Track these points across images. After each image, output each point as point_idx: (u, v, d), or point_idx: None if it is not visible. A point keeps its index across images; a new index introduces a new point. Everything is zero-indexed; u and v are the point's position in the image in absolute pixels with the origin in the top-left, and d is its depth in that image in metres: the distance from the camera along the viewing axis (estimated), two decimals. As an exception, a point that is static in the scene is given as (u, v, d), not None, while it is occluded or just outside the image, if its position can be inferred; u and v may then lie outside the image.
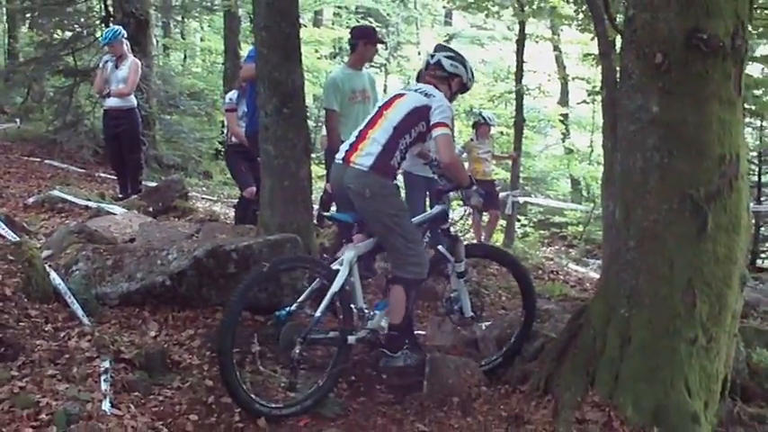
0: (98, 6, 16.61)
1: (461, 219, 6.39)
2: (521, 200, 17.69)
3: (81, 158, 14.86)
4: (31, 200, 9.91)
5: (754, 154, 18.41)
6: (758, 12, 8.99)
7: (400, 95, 5.73)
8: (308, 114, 13.15)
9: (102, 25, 15.48)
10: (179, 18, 25.85)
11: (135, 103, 11.03)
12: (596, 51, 7.50)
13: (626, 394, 4.81)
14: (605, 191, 5.55)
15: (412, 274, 5.45)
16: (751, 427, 5.30)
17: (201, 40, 29.47)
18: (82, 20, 16.82)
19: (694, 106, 4.71)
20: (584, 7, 9.88)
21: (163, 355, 5.15)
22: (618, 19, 6.27)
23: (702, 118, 4.71)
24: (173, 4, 21.65)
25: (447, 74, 5.80)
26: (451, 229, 6.04)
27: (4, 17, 23.40)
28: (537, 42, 18.54)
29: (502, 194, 14.75)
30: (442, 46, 6.13)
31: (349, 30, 8.98)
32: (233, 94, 9.33)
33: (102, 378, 4.60)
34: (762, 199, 18.25)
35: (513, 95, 17.31)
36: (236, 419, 4.75)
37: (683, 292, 4.75)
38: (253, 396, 4.86)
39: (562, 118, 26.03)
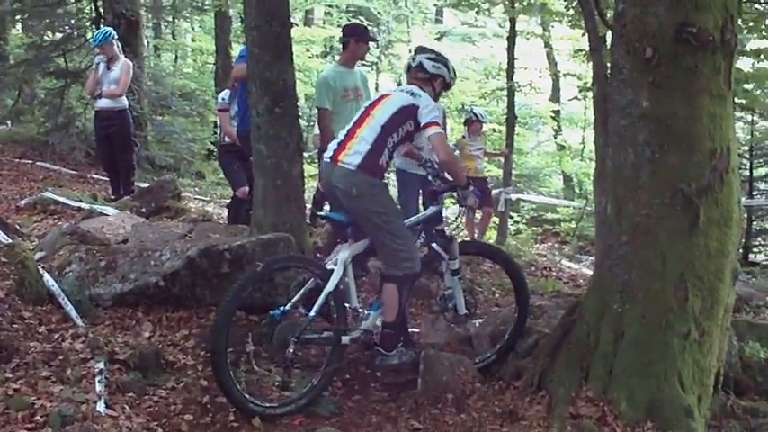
0: (88, 7, 16.54)
1: (456, 218, 6.39)
2: (513, 197, 17.68)
3: (73, 160, 14.81)
4: (23, 202, 9.90)
5: (746, 148, 18.45)
6: (747, 6, 8.99)
7: (387, 95, 5.79)
8: (300, 113, 13.15)
9: (93, 26, 15.44)
10: (170, 18, 25.80)
11: (126, 104, 11.01)
12: (587, 47, 7.49)
13: (620, 389, 4.82)
14: (597, 187, 5.54)
15: (404, 270, 5.46)
16: (744, 420, 5.33)
17: (192, 40, 29.40)
18: (72, 21, 16.79)
19: (684, 100, 4.73)
20: (575, 3, 9.88)
21: (157, 355, 5.16)
22: (608, 14, 6.26)
23: (693, 112, 4.73)
24: (163, 5, 21.64)
25: (429, 75, 5.88)
26: (446, 229, 6.05)
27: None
28: (528, 39, 18.56)
29: (494, 191, 14.75)
30: (422, 48, 6.19)
31: (340, 28, 8.97)
32: (225, 94, 9.32)
33: (97, 379, 4.61)
34: (753, 193, 18.30)
35: (505, 92, 17.29)
36: (231, 419, 4.77)
37: (676, 286, 4.77)
38: (247, 395, 4.86)
39: (554, 114, 26.02)
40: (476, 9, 15.43)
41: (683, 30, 4.66)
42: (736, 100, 11.90)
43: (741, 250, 16.90)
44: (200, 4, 22.18)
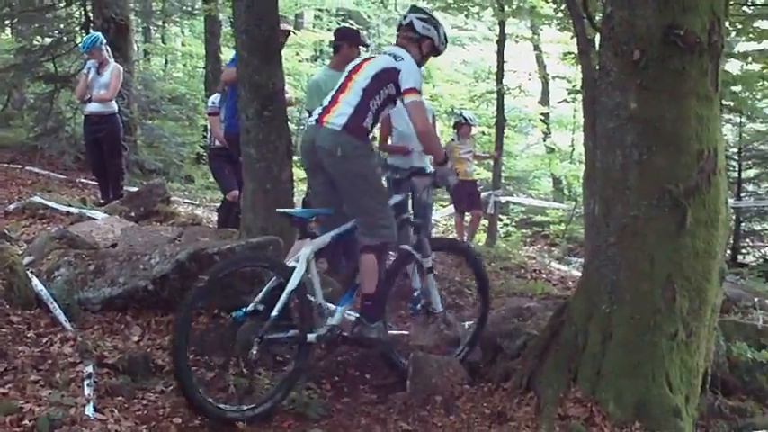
0: (78, 12, 16.55)
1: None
2: (503, 199, 17.72)
3: (62, 164, 14.80)
4: (11, 206, 9.87)
5: (734, 150, 18.52)
6: (735, 8, 9.04)
7: (369, 58, 5.76)
8: (290, 117, 13.14)
9: (83, 31, 15.44)
10: (159, 23, 25.78)
11: (116, 108, 11.01)
12: (576, 50, 7.53)
13: (608, 389, 4.84)
14: (587, 189, 5.58)
15: (382, 238, 5.44)
16: (732, 419, 5.36)
17: (182, 44, 29.40)
18: (62, 26, 16.79)
19: (672, 102, 4.76)
20: (564, 6, 9.92)
21: (146, 359, 5.14)
22: (597, 17, 6.30)
23: (680, 114, 4.76)
24: (153, 9, 21.62)
25: (418, 35, 5.78)
26: (411, 218, 6.01)
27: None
28: (517, 42, 18.59)
29: (484, 194, 14.78)
30: (416, 7, 6.11)
31: (333, 32, 8.98)
32: (215, 98, 9.32)
33: (86, 383, 4.59)
34: (742, 195, 18.36)
35: (494, 95, 17.34)
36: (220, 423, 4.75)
37: (664, 287, 4.79)
38: (221, 406, 4.78)
39: (543, 117, 26.08)
40: (465, 12, 15.46)
41: (670, 32, 4.69)
42: (724, 102, 11.97)
43: (729, 251, 17.03)
44: (189, 9, 22.21)
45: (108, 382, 4.74)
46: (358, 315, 5.53)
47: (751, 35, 10.49)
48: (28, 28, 16.67)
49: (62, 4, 16.76)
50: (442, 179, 5.89)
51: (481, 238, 15.70)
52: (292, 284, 5.08)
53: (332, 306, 5.62)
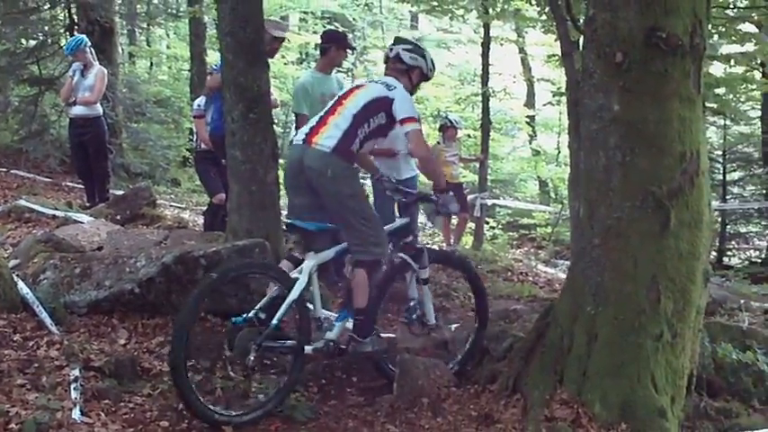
0: (62, 15, 16.52)
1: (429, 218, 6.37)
2: (489, 202, 17.77)
3: (47, 167, 14.79)
4: (-3, 210, 9.84)
5: (719, 153, 18.60)
6: (717, 11, 9.09)
7: (360, 86, 5.77)
8: (276, 120, 13.13)
9: (67, 33, 15.44)
10: (144, 25, 25.69)
11: (101, 111, 10.98)
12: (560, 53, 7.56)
13: (594, 391, 4.85)
14: (572, 191, 5.60)
15: (373, 255, 5.46)
16: (717, 421, 5.38)
17: (168, 47, 29.33)
18: (46, 28, 16.76)
19: (655, 104, 4.78)
20: (547, 9, 9.95)
21: (133, 362, 5.14)
22: (580, 20, 6.32)
23: (663, 116, 4.78)
24: (138, 12, 21.56)
25: (407, 66, 5.82)
26: (416, 241, 6.03)
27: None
28: (502, 45, 18.65)
29: (470, 197, 14.82)
30: (400, 38, 6.14)
31: (319, 35, 8.99)
32: (201, 101, 9.30)
33: (72, 386, 4.59)
34: (727, 197, 18.44)
35: (480, 98, 17.38)
36: (207, 426, 4.75)
37: (648, 288, 4.81)
38: (211, 407, 4.78)
39: (529, 120, 26.15)
40: (450, 15, 15.49)
41: (652, 34, 4.71)
42: (708, 104, 12.03)
43: (715, 254, 17.10)
44: (174, 11, 22.16)
45: (95, 386, 4.75)
46: (350, 333, 5.54)
47: (733, 38, 10.55)
48: (12, 30, 16.60)
49: (46, 7, 16.74)
50: (444, 207, 5.92)
51: (468, 241, 15.74)
52: (293, 295, 5.11)
53: (331, 317, 5.64)
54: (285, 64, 23.41)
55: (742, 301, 8.61)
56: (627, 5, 4.76)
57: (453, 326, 6.54)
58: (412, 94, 5.84)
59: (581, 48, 5.43)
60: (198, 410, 4.66)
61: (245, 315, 5.01)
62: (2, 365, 4.74)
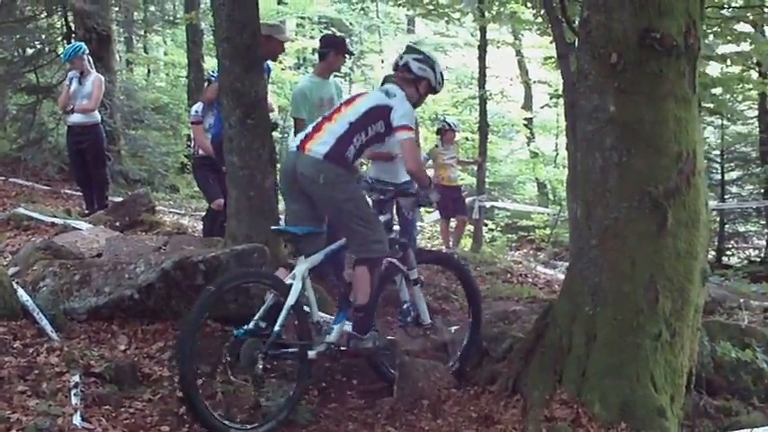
0: (59, 23, 16.52)
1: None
2: (487, 204, 17.79)
3: (46, 175, 14.78)
4: (-4, 218, 9.85)
5: (717, 152, 18.63)
6: (712, 11, 9.11)
7: (362, 94, 5.83)
8: (280, 125, 13.20)
9: (64, 42, 15.42)
10: (141, 33, 25.75)
11: (99, 118, 10.98)
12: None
13: (593, 391, 4.87)
14: (570, 193, 5.61)
15: (375, 253, 5.48)
16: (717, 419, 5.39)
17: (165, 54, 29.35)
18: (43, 36, 16.73)
19: (650, 105, 4.81)
20: (543, 11, 9.98)
21: (133, 368, 5.13)
22: (575, 21, 6.34)
23: (658, 116, 4.81)
24: (135, 19, 21.58)
25: (414, 77, 5.79)
26: (398, 237, 6.05)
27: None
28: (498, 48, 18.66)
29: (468, 200, 14.83)
30: (411, 48, 6.13)
31: (318, 39, 9.01)
32: (198, 107, 9.30)
33: (73, 392, 4.59)
34: (725, 197, 18.46)
35: (477, 101, 17.41)
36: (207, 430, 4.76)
37: (646, 288, 4.84)
38: (227, 423, 4.80)
39: (526, 122, 26.16)
40: (446, 18, 15.52)
41: (647, 35, 4.74)
42: (705, 104, 12.05)
43: (714, 253, 17.12)
44: (171, 18, 22.16)
45: (95, 392, 4.74)
46: (350, 330, 5.55)
47: (729, 38, 10.57)
48: (9, 39, 16.61)
49: (43, 15, 16.73)
50: (425, 198, 5.94)
51: (467, 243, 15.75)
52: (290, 301, 5.11)
53: (329, 320, 5.65)
54: (282, 69, 23.41)
55: (741, 300, 8.61)
56: (621, 7, 4.80)
57: (453, 328, 6.54)
58: (418, 105, 5.86)
59: (577, 49, 5.44)
60: (212, 426, 4.69)
61: (245, 327, 5.02)
62: (2, 372, 4.73)
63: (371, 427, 5.15)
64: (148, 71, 28.90)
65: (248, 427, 4.88)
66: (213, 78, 8.64)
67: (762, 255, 17.72)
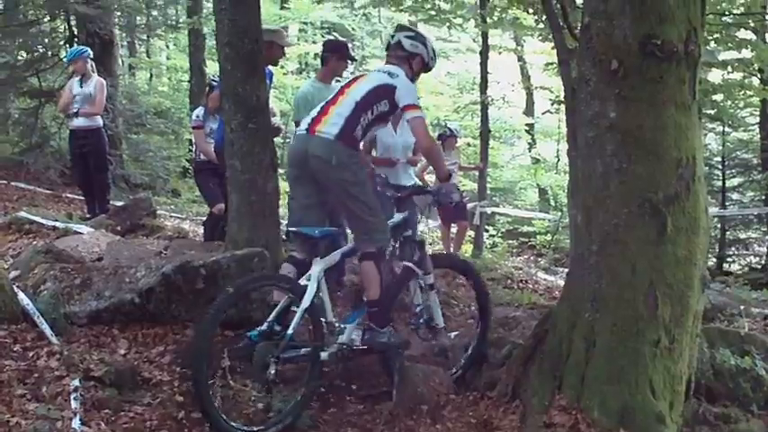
0: (62, 27, 16.56)
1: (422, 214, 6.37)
2: (488, 210, 17.79)
3: (48, 179, 14.81)
4: (-3, 222, 9.85)
5: (718, 159, 18.63)
6: (713, 17, 9.12)
7: (362, 75, 5.85)
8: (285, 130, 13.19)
9: (67, 46, 15.46)
10: (144, 37, 25.79)
11: (101, 122, 11.01)
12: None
13: (592, 397, 4.86)
14: (571, 199, 5.60)
15: (378, 243, 5.51)
16: (716, 426, 5.37)
17: (167, 58, 29.39)
18: (46, 41, 16.77)
19: (650, 111, 4.81)
20: (545, 17, 9.99)
21: (133, 372, 5.14)
22: (577, 28, 6.34)
23: (659, 122, 4.80)
24: (137, 24, 21.61)
25: (407, 53, 5.86)
26: (416, 235, 6.07)
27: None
28: (500, 53, 18.67)
29: (469, 205, 14.83)
30: (402, 26, 6.19)
31: (322, 44, 9.03)
32: (199, 111, 9.32)
33: (72, 396, 4.60)
34: (726, 203, 18.46)
35: (479, 106, 17.41)
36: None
37: (645, 294, 4.82)
38: (233, 424, 4.78)
39: (528, 128, 26.21)
40: (448, 24, 15.54)
41: (647, 42, 4.74)
42: (706, 111, 12.06)
43: (715, 260, 17.11)
44: (174, 23, 22.19)
45: (95, 396, 4.75)
46: (367, 324, 5.57)
47: (730, 44, 10.58)
48: (12, 43, 16.65)
49: (46, 20, 16.76)
50: (446, 196, 5.96)
51: (468, 249, 15.74)
52: (305, 303, 5.12)
53: (341, 324, 5.64)
54: (284, 74, 23.44)
55: (742, 307, 8.60)
56: (622, 13, 4.80)
57: (453, 333, 6.54)
58: (413, 81, 5.86)
59: (577, 56, 5.44)
60: (220, 427, 4.69)
61: (259, 329, 5.01)
62: (2, 376, 4.73)
63: (370, 432, 5.16)
64: (151, 76, 28.98)
65: (255, 429, 4.88)
66: (215, 83, 8.66)
67: (763, 262, 17.70)
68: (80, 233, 8.84)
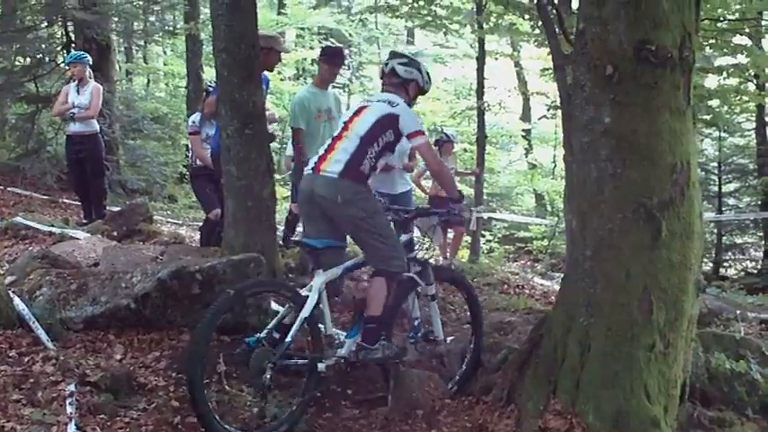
0: (59, 33, 16.56)
1: (425, 236, 6.39)
2: (485, 216, 17.80)
3: (44, 185, 14.81)
4: (-7, 227, 9.85)
5: (714, 164, 18.66)
6: (708, 23, 9.15)
7: (365, 107, 5.80)
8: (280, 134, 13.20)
9: (64, 51, 15.46)
10: (141, 43, 25.82)
11: (97, 128, 11.02)
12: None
13: (587, 401, 4.86)
14: (568, 204, 5.62)
15: (394, 269, 5.52)
16: (711, 430, 5.40)
17: (164, 64, 29.42)
18: (43, 46, 16.75)
19: (645, 117, 4.82)
20: (541, 23, 10.02)
21: (128, 377, 5.14)
22: (573, 33, 6.36)
23: (653, 128, 4.82)
24: (134, 29, 21.64)
25: (402, 80, 5.89)
26: (419, 254, 6.08)
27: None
28: (497, 59, 18.70)
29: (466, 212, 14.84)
30: (395, 53, 6.22)
31: (321, 50, 9.08)
32: (196, 117, 9.32)
33: (68, 401, 4.60)
34: (723, 209, 18.49)
35: (475, 112, 17.43)
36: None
37: (640, 298, 4.83)
38: (227, 427, 4.76)
39: (524, 133, 26.24)
40: (443, 29, 15.57)
41: (642, 47, 4.76)
42: (701, 116, 12.08)
43: (712, 264, 17.13)
44: (171, 28, 22.20)
45: (90, 401, 4.74)
46: (359, 341, 5.55)
47: (725, 50, 10.61)
48: (9, 48, 16.65)
49: (44, 25, 16.76)
50: (457, 217, 6.00)
51: (464, 254, 15.75)
52: (305, 313, 5.11)
53: (341, 334, 5.69)
54: (282, 80, 23.47)
55: (738, 312, 8.63)
56: (616, 19, 4.81)
57: (449, 339, 6.54)
58: (410, 107, 5.90)
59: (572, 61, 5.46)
60: (214, 430, 4.67)
61: (257, 335, 5.01)
62: (-3, 381, 4.75)
63: (366, 437, 5.16)
64: (148, 81, 28.98)
65: None
66: (212, 89, 8.67)
67: (759, 266, 17.72)
68: (76, 238, 8.85)
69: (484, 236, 18.91)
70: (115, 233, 9.85)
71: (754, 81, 14.48)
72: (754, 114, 17.87)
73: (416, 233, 6.57)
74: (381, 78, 6.07)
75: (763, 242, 18.21)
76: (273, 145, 9.83)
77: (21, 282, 6.36)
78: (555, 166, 26.46)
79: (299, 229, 7.78)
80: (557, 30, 6.41)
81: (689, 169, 4.92)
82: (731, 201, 19.62)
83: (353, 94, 27.49)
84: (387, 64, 5.99)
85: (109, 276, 6.12)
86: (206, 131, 8.94)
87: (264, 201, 6.83)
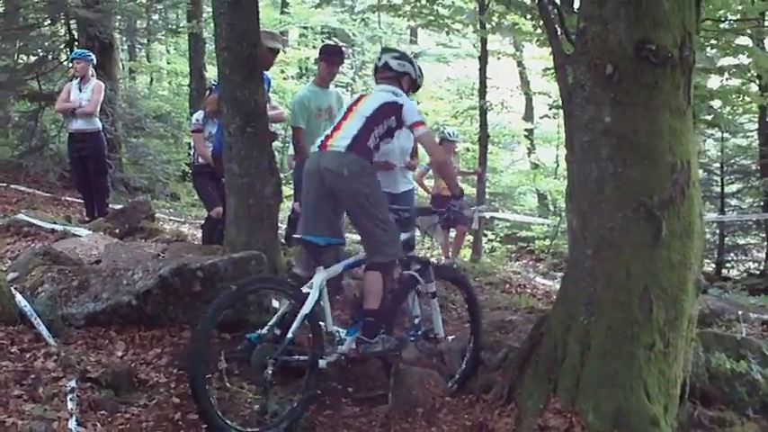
0: (62, 30, 16.58)
1: (426, 233, 6.41)
2: (487, 215, 17.80)
3: (47, 182, 14.84)
4: (-4, 224, 9.87)
5: (717, 165, 18.65)
6: (710, 24, 9.14)
7: (367, 94, 5.94)
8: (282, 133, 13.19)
9: (67, 49, 15.49)
10: (144, 41, 25.82)
11: (100, 125, 11.05)
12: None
13: (587, 400, 4.86)
14: (570, 204, 5.62)
15: (388, 257, 5.54)
16: (711, 429, 5.40)
17: (168, 62, 29.42)
18: (46, 44, 16.78)
19: (645, 116, 4.83)
20: (542, 23, 10.02)
21: (129, 373, 5.15)
22: (574, 33, 6.36)
23: (653, 127, 4.82)
24: (137, 27, 21.65)
25: (395, 73, 5.97)
26: (419, 253, 6.11)
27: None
28: (499, 59, 18.70)
29: (468, 210, 14.85)
30: (387, 48, 6.30)
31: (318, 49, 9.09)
32: (199, 115, 9.33)
33: (69, 397, 4.60)
34: (725, 209, 18.48)
35: (478, 111, 17.43)
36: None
37: (640, 298, 4.84)
38: (228, 422, 4.79)
39: (527, 133, 26.23)
40: (446, 29, 15.57)
41: (642, 47, 4.77)
42: (703, 117, 12.07)
43: (714, 265, 17.12)
44: (174, 27, 22.21)
45: (91, 397, 4.75)
46: (359, 335, 5.57)
47: (727, 51, 10.60)
48: (12, 46, 16.68)
49: (46, 23, 16.78)
50: (458, 214, 6.02)
51: (466, 253, 15.76)
52: (306, 310, 5.14)
53: (342, 331, 5.67)
54: (284, 79, 23.49)
55: (740, 313, 8.63)
56: (617, 18, 4.82)
57: (450, 337, 6.55)
58: None
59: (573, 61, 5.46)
60: (216, 426, 4.69)
61: (259, 331, 5.03)
62: (-1, 377, 4.77)
63: (366, 435, 5.17)
64: (151, 79, 29.01)
65: (250, 431, 4.88)
66: (214, 87, 8.67)
67: (761, 267, 17.69)
68: (78, 236, 8.87)
69: (486, 235, 18.92)
70: (117, 231, 9.87)
71: (757, 82, 14.46)
72: (756, 115, 17.86)
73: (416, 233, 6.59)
74: (374, 74, 6.13)
75: (765, 243, 18.20)
76: (276, 144, 9.83)
77: (23, 278, 6.37)
78: (557, 165, 26.43)
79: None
80: (558, 29, 6.40)
81: (689, 169, 4.92)
82: (734, 201, 19.62)
83: (356, 93, 27.49)
84: (380, 59, 6.07)
85: (110, 273, 6.12)
86: (209, 130, 8.94)
87: (266, 199, 6.82)
